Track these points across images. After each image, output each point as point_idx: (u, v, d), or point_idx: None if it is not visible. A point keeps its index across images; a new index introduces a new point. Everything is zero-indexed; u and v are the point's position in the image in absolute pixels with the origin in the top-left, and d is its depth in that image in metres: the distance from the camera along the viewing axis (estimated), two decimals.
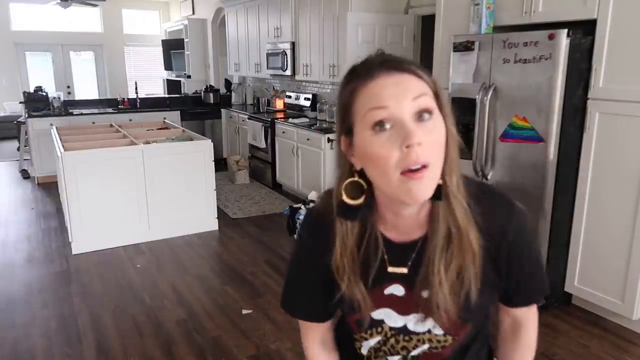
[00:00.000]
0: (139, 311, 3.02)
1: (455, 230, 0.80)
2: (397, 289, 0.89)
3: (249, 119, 6.14)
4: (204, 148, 4.37)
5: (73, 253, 3.90)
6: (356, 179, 0.80)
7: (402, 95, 0.72)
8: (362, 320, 0.91)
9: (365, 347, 0.97)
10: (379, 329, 0.93)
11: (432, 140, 0.72)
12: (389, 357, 0.96)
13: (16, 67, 9.63)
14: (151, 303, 3.12)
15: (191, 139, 4.63)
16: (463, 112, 3.16)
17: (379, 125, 0.72)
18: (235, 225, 4.58)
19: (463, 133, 3.20)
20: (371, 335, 0.94)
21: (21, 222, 4.73)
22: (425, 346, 0.92)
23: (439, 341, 0.91)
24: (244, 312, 2.98)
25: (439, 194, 0.77)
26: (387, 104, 0.72)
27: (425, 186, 0.73)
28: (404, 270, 0.87)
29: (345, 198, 0.81)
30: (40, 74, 9.88)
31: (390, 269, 0.87)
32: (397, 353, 0.95)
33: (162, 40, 9.46)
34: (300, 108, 6.01)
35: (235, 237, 4.28)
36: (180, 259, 3.83)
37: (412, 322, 0.90)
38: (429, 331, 0.90)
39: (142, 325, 2.86)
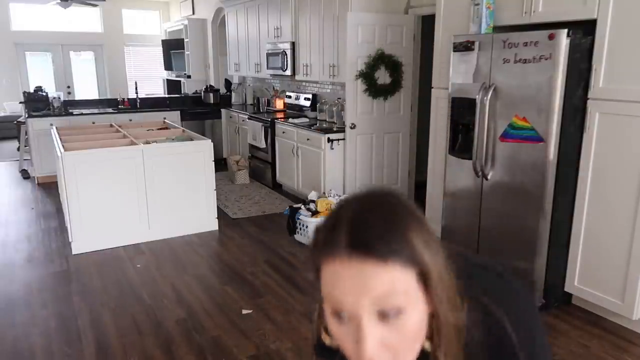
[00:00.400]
0: (139, 311, 3.02)
1: None
2: None
3: (249, 119, 6.14)
4: (204, 148, 4.37)
5: (73, 253, 3.90)
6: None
7: (361, 295, 0.60)
8: None
9: None
10: None
11: (398, 340, 0.62)
12: None
13: (16, 67, 9.63)
14: (151, 303, 3.12)
15: (191, 139, 4.63)
16: (463, 112, 3.16)
17: (337, 315, 0.63)
18: (235, 225, 4.58)
19: (463, 133, 3.20)
20: None
21: (21, 222, 4.73)
22: None
23: None
24: (244, 312, 2.98)
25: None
26: (343, 303, 0.61)
27: None
28: None
29: (324, 337, 0.72)
30: (40, 74, 9.88)
31: None
32: None
33: (162, 40, 9.47)
34: (300, 108, 6.01)
35: (235, 237, 4.28)
36: (180, 258, 3.83)
37: None
38: None
39: (141, 325, 2.86)
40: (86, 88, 10.39)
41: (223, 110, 7.24)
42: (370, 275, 0.60)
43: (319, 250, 0.64)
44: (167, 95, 8.86)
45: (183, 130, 5.15)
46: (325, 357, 0.73)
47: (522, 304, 0.76)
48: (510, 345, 0.69)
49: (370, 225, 0.61)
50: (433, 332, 0.66)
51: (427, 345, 0.68)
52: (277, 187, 5.78)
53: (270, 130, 5.63)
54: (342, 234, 0.62)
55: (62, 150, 3.92)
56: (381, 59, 4.49)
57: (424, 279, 0.63)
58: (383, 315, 0.61)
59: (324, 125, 5.03)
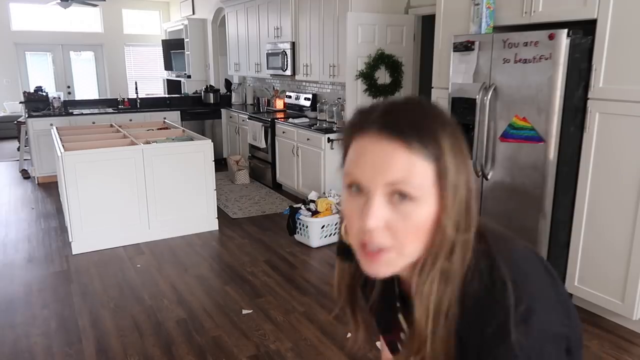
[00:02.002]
0: (139, 311, 3.02)
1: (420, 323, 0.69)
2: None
3: (249, 119, 6.14)
4: (204, 148, 4.37)
5: (73, 253, 3.90)
6: None
7: (379, 172, 0.63)
8: (393, 340, 0.88)
9: None
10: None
11: (403, 227, 0.63)
12: None
13: (16, 67, 9.63)
14: (151, 303, 3.12)
15: (191, 139, 4.63)
16: (463, 112, 3.16)
17: (353, 187, 0.67)
18: (235, 225, 4.58)
19: (463, 133, 3.20)
20: None
21: (21, 222, 4.73)
22: None
23: None
24: (244, 312, 2.98)
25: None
26: (361, 176, 0.65)
27: (381, 269, 0.66)
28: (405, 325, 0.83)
29: (344, 239, 0.74)
30: (40, 74, 9.89)
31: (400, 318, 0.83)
32: None
33: (162, 40, 9.47)
34: (300, 108, 6.01)
35: (235, 237, 4.28)
36: (180, 259, 3.83)
37: None
38: None
39: (142, 325, 2.86)
40: (86, 88, 10.40)
41: (223, 110, 7.24)
42: (393, 155, 0.63)
43: (352, 127, 0.69)
44: (167, 95, 8.86)
45: (183, 130, 5.15)
46: (346, 257, 0.77)
47: (533, 276, 0.70)
48: (505, 313, 0.64)
49: (404, 113, 0.66)
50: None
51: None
52: (277, 187, 5.78)
53: (270, 130, 5.63)
54: (376, 114, 0.66)
55: (62, 150, 3.92)
56: (381, 59, 4.49)
57: (441, 181, 0.64)
58: (393, 198, 0.63)
59: (324, 125, 5.03)
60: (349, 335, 2.81)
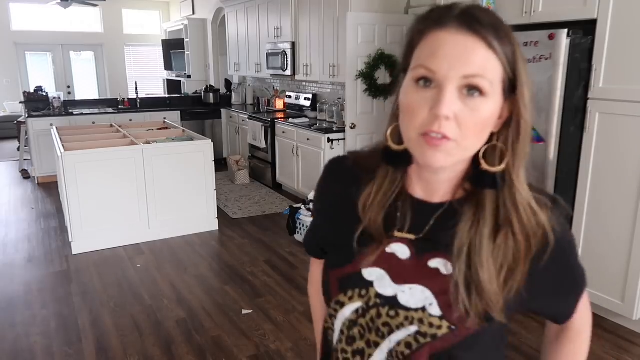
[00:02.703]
0: (139, 311, 3.02)
1: (507, 228, 0.72)
2: (401, 250, 0.79)
3: (249, 119, 6.14)
4: (204, 148, 4.37)
5: (73, 253, 3.90)
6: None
7: (456, 65, 0.65)
8: (352, 274, 0.80)
9: (339, 321, 0.81)
10: (364, 292, 0.79)
11: (469, 120, 0.66)
12: (361, 341, 0.80)
13: (16, 67, 9.63)
14: (151, 303, 3.12)
15: (191, 139, 4.63)
16: None
17: (422, 80, 0.67)
18: (235, 225, 4.58)
19: None
20: (351, 299, 0.79)
21: (21, 222, 4.73)
22: (412, 329, 0.75)
23: (431, 325, 0.75)
24: (244, 312, 2.98)
25: (495, 181, 0.72)
26: (437, 67, 0.66)
27: (440, 157, 0.67)
28: (412, 236, 0.78)
29: (390, 143, 0.76)
30: (40, 74, 9.89)
31: (397, 233, 0.78)
32: (377, 331, 0.78)
33: (162, 40, 9.47)
34: (300, 108, 6.01)
35: (235, 237, 4.28)
36: (180, 258, 3.83)
37: (406, 293, 0.77)
38: (423, 309, 0.75)
39: (142, 325, 2.86)
40: (86, 88, 10.40)
41: (223, 110, 7.24)
42: (472, 49, 0.65)
43: (430, 20, 0.69)
44: (167, 95, 8.86)
45: (183, 131, 5.15)
46: (391, 161, 0.77)
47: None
48: (569, 242, 0.80)
49: (483, 14, 0.69)
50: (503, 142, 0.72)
51: (485, 165, 0.72)
52: (277, 187, 5.78)
53: (270, 130, 5.63)
54: (457, 10, 0.68)
55: (62, 150, 3.92)
56: (381, 59, 4.49)
57: (512, 84, 0.69)
58: (466, 92, 0.66)
59: (324, 125, 5.03)
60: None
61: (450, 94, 0.65)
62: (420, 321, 0.75)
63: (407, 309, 0.76)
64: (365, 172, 0.80)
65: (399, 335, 0.77)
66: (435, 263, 0.76)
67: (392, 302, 0.77)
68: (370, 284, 0.79)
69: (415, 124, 0.68)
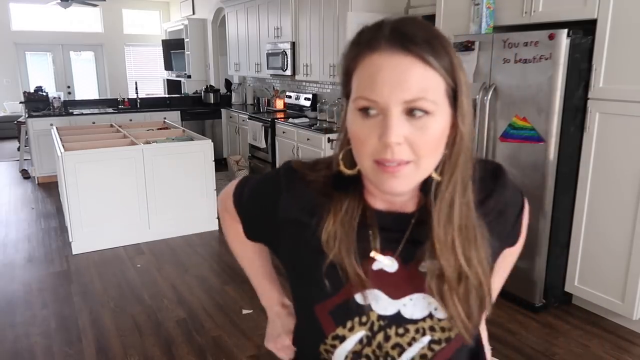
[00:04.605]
0: (139, 311, 3.02)
1: (457, 233, 0.72)
2: (388, 263, 0.75)
3: (249, 119, 6.14)
4: (204, 148, 4.37)
5: (73, 253, 3.90)
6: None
7: (395, 90, 0.63)
8: (345, 304, 0.74)
9: (339, 357, 0.75)
10: (364, 318, 0.74)
11: (421, 140, 0.64)
12: None
13: (16, 67, 9.63)
14: (151, 303, 3.12)
15: (191, 139, 4.63)
16: None
17: (364, 111, 0.65)
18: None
19: None
20: (352, 329, 0.74)
21: (21, 222, 4.73)
22: (425, 340, 0.73)
23: (443, 330, 0.73)
24: (244, 312, 2.98)
25: (431, 190, 0.71)
26: (377, 96, 0.63)
27: (400, 183, 0.66)
28: (394, 252, 0.75)
29: (342, 167, 0.73)
30: (40, 74, 9.89)
31: (373, 253, 0.75)
32: (385, 357, 0.74)
33: (162, 40, 9.46)
34: (301, 108, 6.01)
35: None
36: (180, 259, 3.83)
37: (408, 306, 0.74)
38: (430, 316, 0.73)
39: (142, 325, 2.86)
40: (86, 88, 10.40)
41: (223, 110, 7.24)
42: (409, 68, 0.63)
43: (361, 45, 0.67)
44: (167, 95, 8.85)
45: (183, 131, 5.15)
46: (341, 187, 0.74)
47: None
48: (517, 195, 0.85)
49: (414, 29, 0.65)
50: (449, 154, 0.70)
51: (435, 176, 0.70)
52: None
53: (270, 130, 5.63)
54: (386, 30, 0.65)
55: (62, 150, 3.92)
56: None
57: (454, 95, 0.67)
58: (411, 114, 0.64)
59: (324, 125, 5.03)
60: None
61: (396, 119, 0.63)
62: (432, 329, 0.73)
63: (415, 322, 0.73)
64: (320, 195, 0.76)
65: (412, 351, 0.73)
66: (424, 267, 0.74)
67: (398, 320, 0.74)
68: (368, 308, 0.74)
69: (366, 152, 0.66)
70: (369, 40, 0.66)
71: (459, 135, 0.68)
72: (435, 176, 0.70)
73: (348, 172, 0.73)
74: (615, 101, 2.55)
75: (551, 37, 2.60)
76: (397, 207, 0.76)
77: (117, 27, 10.41)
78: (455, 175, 0.70)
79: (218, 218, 4.42)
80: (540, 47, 2.66)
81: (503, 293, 3.03)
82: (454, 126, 0.68)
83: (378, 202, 0.76)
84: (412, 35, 0.64)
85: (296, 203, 0.78)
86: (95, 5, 8.42)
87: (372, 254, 0.75)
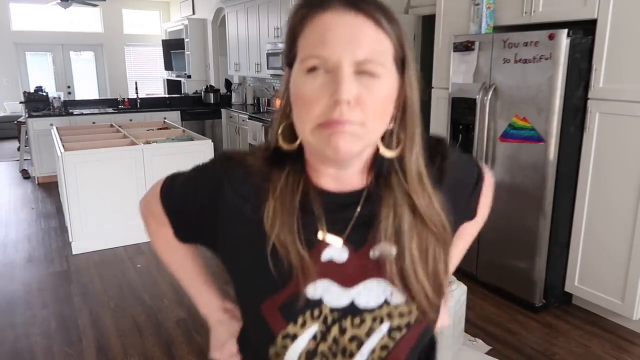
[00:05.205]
0: (139, 311, 3.02)
1: (411, 211, 0.69)
2: (337, 253, 0.70)
3: (249, 118, 6.14)
4: (205, 148, 4.37)
5: (73, 253, 3.90)
6: (293, 121, 0.68)
7: (347, 48, 0.61)
8: (295, 297, 0.68)
9: (292, 358, 0.70)
10: (316, 313, 0.69)
11: (369, 100, 0.62)
12: None
13: (16, 67, 9.63)
14: (151, 303, 3.12)
15: (191, 139, 4.63)
16: (463, 112, 3.16)
17: (313, 71, 0.62)
18: None
19: (463, 133, 3.20)
20: (304, 325, 0.69)
21: (21, 222, 4.73)
22: (384, 328, 0.69)
23: (401, 315, 0.69)
24: None
25: (386, 167, 0.69)
26: (329, 53, 0.61)
27: (346, 140, 0.62)
28: (339, 238, 0.71)
29: (281, 142, 0.70)
30: (40, 74, 9.89)
31: (321, 234, 0.70)
32: (343, 352, 0.69)
33: (162, 40, 9.47)
34: None
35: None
36: None
37: (362, 295, 0.69)
38: (387, 302, 0.69)
39: (142, 325, 2.86)
40: (86, 88, 10.40)
41: (223, 110, 7.24)
42: (361, 29, 0.62)
43: (311, 4, 0.64)
44: (167, 95, 8.86)
45: (183, 131, 5.15)
46: (281, 163, 0.71)
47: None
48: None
49: None
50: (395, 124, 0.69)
51: (384, 151, 0.69)
52: None
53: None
54: None
55: (62, 150, 3.92)
56: None
57: (402, 64, 0.66)
58: (361, 74, 0.62)
59: None
60: None
61: (348, 77, 0.61)
62: (389, 316, 0.69)
63: (371, 310, 0.69)
64: (260, 179, 0.72)
65: (372, 342, 0.69)
66: (376, 251, 0.70)
67: (352, 310, 0.69)
68: (319, 301, 0.69)
69: (312, 114, 0.62)
70: (319, 0, 0.64)
71: (409, 103, 0.67)
72: (387, 152, 0.69)
73: (287, 146, 0.70)
74: (615, 101, 2.55)
75: (551, 37, 2.60)
76: (343, 186, 0.71)
77: (117, 27, 10.41)
78: (414, 146, 0.69)
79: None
80: (540, 47, 2.66)
81: (503, 293, 3.04)
82: (400, 96, 0.67)
83: (322, 179, 0.71)
84: None
85: (236, 192, 0.73)
86: (95, 5, 8.42)
87: (320, 235, 0.70)
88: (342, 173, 0.70)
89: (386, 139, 0.69)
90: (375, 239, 0.70)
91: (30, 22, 9.63)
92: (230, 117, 7.02)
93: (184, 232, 0.85)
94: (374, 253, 0.70)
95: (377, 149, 0.69)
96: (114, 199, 3.98)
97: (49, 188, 5.90)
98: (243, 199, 0.72)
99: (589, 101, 2.67)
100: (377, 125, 0.65)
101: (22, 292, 3.30)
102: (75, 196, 3.83)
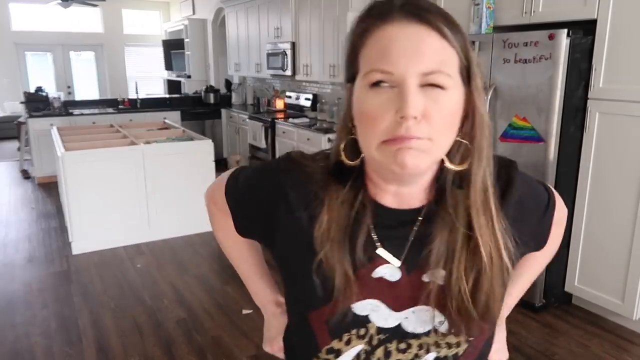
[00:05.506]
0: (139, 311, 3.02)
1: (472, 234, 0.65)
2: (389, 271, 0.68)
3: (249, 119, 6.14)
4: (205, 148, 4.37)
5: (73, 253, 3.90)
6: (356, 136, 0.67)
7: (412, 59, 0.59)
8: (342, 314, 0.67)
9: None
10: (362, 332, 0.68)
11: (437, 114, 0.60)
12: None
13: (16, 67, 9.63)
14: (151, 303, 3.12)
15: (191, 139, 4.63)
16: None
17: (376, 85, 0.61)
18: None
19: None
20: (349, 343, 0.68)
21: (21, 222, 4.73)
22: (431, 357, 0.68)
23: (449, 346, 0.68)
24: (245, 312, 2.98)
25: (449, 183, 0.66)
26: (393, 67, 0.59)
27: (413, 156, 0.60)
28: (398, 253, 0.69)
29: (343, 158, 0.68)
30: (40, 74, 9.88)
31: (381, 251, 0.68)
32: None
33: (163, 40, 9.46)
34: (301, 108, 6.01)
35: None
36: (180, 259, 3.83)
37: (410, 320, 0.68)
38: (435, 331, 0.68)
39: (142, 325, 2.86)
40: (86, 88, 10.40)
41: (223, 110, 7.24)
42: (426, 38, 0.60)
43: (372, 17, 0.62)
44: (167, 96, 8.85)
45: (183, 131, 5.15)
46: (342, 178, 0.69)
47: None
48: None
49: (427, 3, 0.62)
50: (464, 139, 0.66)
51: (448, 165, 0.66)
52: None
53: (270, 130, 5.63)
54: (399, 2, 0.62)
55: (62, 150, 3.92)
56: None
57: (468, 74, 0.63)
58: (427, 87, 0.60)
59: (324, 125, 5.03)
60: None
61: (414, 91, 0.59)
62: (437, 345, 0.67)
63: (418, 336, 0.67)
64: (318, 188, 0.70)
65: None
66: (429, 276, 0.67)
67: (399, 334, 0.68)
68: (366, 319, 0.68)
69: (377, 131, 0.61)
70: (380, 13, 0.62)
71: (477, 115, 0.64)
72: (451, 165, 0.66)
73: (349, 162, 0.68)
74: (615, 101, 2.55)
75: (551, 37, 2.60)
76: (403, 203, 0.69)
77: (117, 27, 10.41)
78: (483, 158, 0.65)
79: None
80: (540, 47, 2.66)
81: None
82: (467, 107, 0.64)
83: (382, 196, 0.70)
84: (426, 6, 0.61)
85: (295, 197, 0.72)
86: (95, 5, 8.42)
87: (379, 250, 0.68)
88: (403, 190, 0.69)
89: (453, 153, 0.66)
90: (430, 261, 0.67)
91: (30, 22, 9.63)
92: (231, 117, 7.02)
93: (244, 226, 0.84)
94: (426, 277, 0.68)
95: (440, 166, 0.67)
96: (114, 199, 3.98)
97: (49, 188, 5.90)
98: (301, 205, 0.71)
99: (588, 101, 2.67)
100: (444, 140, 0.63)
101: (22, 292, 3.30)
102: (75, 196, 3.83)
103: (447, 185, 0.67)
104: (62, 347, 2.66)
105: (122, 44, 10.50)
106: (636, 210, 2.53)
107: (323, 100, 5.55)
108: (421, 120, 0.59)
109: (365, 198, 0.69)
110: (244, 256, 0.96)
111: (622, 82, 2.50)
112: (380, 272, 0.68)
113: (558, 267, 2.91)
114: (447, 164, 0.66)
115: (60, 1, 7.56)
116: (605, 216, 2.68)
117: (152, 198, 4.14)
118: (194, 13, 8.82)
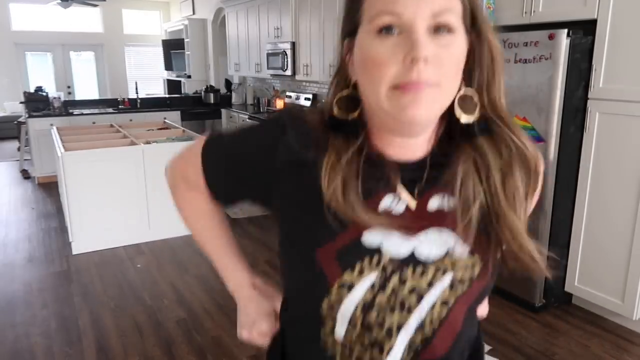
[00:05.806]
0: (139, 311, 3.02)
1: (510, 170, 0.68)
2: (394, 202, 0.68)
3: (249, 118, 6.14)
4: None
5: (73, 253, 3.90)
6: (351, 91, 0.67)
7: (422, 4, 0.59)
8: (352, 244, 0.66)
9: (347, 311, 0.66)
10: (375, 259, 0.66)
11: (446, 58, 0.60)
12: (380, 329, 0.67)
13: (16, 67, 9.63)
14: (151, 303, 3.12)
15: (192, 139, 4.63)
16: None
17: (386, 29, 0.60)
18: (235, 225, 4.57)
19: None
20: (361, 274, 0.65)
21: (21, 222, 4.73)
22: (447, 279, 0.66)
23: (465, 267, 0.66)
24: None
25: (484, 125, 0.67)
26: (402, 8, 0.59)
27: (423, 107, 0.60)
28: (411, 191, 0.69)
29: (336, 112, 0.68)
30: (40, 74, 9.88)
31: (400, 188, 0.68)
32: (401, 306, 0.66)
33: (163, 40, 9.47)
34: None
35: (236, 237, 4.27)
36: (180, 259, 3.83)
37: (424, 244, 0.66)
38: (449, 254, 0.66)
39: (142, 325, 2.86)
40: (86, 88, 10.40)
41: (223, 110, 7.24)
42: None
43: None
44: (167, 95, 8.86)
45: (183, 131, 5.15)
46: (338, 130, 0.68)
47: None
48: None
49: None
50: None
51: (462, 116, 0.66)
52: None
53: None
54: None
55: (62, 150, 3.92)
56: None
57: (472, 18, 0.63)
58: (436, 31, 0.60)
59: None
60: None
61: (424, 33, 0.59)
62: (453, 266, 0.66)
63: (432, 261, 0.66)
64: (320, 132, 0.70)
65: (433, 295, 0.66)
66: (434, 202, 0.68)
67: (413, 260, 0.66)
68: (377, 249, 0.66)
69: (386, 76, 0.60)
70: None
71: (494, 49, 0.65)
72: (464, 116, 0.66)
73: (343, 116, 0.68)
74: (615, 101, 2.55)
75: (551, 37, 2.60)
76: (408, 154, 0.69)
77: (117, 27, 10.41)
78: (501, 107, 0.67)
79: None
80: (540, 47, 2.66)
81: (503, 293, 3.03)
82: (473, 54, 0.65)
83: (385, 148, 0.69)
84: None
85: (298, 142, 0.70)
86: (95, 5, 8.42)
87: (398, 188, 0.68)
88: (409, 141, 0.68)
89: (466, 103, 0.66)
90: (437, 187, 0.68)
91: (30, 22, 9.63)
92: (231, 117, 7.02)
93: (232, 192, 0.82)
94: (432, 203, 0.68)
95: (442, 117, 0.67)
96: (114, 199, 3.98)
97: (49, 188, 5.90)
98: (303, 146, 0.70)
99: (588, 101, 2.67)
100: (452, 86, 0.63)
101: (22, 292, 3.30)
102: (75, 196, 3.83)
103: (464, 135, 0.68)
104: (62, 347, 2.66)
105: (122, 44, 10.50)
106: (636, 210, 2.53)
107: (323, 100, 5.54)
108: (430, 64, 0.59)
109: (370, 149, 0.69)
110: (216, 234, 0.92)
111: (622, 82, 2.50)
112: (385, 204, 0.67)
113: (558, 267, 2.91)
114: (459, 115, 0.66)
115: (60, 1, 7.56)
116: (605, 216, 2.68)
117: (152, 198, 4.14)
118: (194, 13, 8.83)
